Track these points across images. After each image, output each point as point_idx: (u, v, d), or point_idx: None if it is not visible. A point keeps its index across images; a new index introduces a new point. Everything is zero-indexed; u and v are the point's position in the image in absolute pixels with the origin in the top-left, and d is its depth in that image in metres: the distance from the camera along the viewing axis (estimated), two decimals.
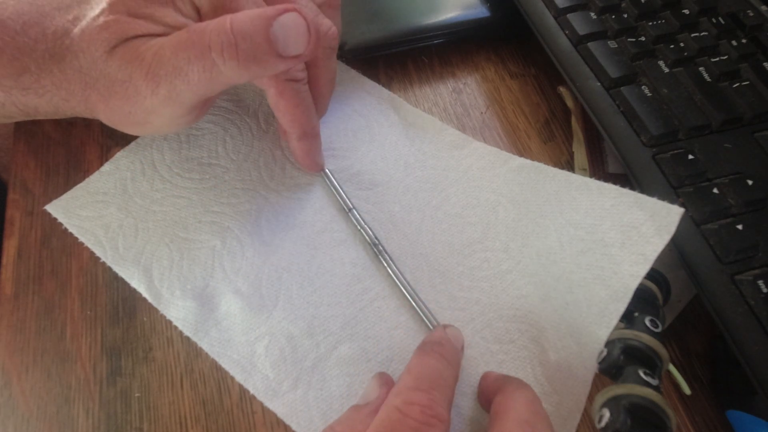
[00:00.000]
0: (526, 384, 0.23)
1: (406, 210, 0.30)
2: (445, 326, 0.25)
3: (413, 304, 0.27)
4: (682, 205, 0.24)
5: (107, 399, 0.25)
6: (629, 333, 0.22)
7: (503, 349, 0.26)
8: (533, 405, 0.21)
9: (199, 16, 0.25)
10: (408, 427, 0.19)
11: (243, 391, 0.25)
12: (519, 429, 0.20)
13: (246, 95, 0.34)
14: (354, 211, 0.29)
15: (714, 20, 0.32)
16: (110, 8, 0.23)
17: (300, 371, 0.25)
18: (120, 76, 0.23)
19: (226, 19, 0.22)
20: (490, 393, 0.23)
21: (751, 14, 0.32)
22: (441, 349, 0.23)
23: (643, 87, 0.29)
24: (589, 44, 0.31)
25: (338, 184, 0.30)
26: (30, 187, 0.31)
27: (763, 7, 0.32)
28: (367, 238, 0.29)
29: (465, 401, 0.25)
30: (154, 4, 0.23)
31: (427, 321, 0.26)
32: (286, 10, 0.22)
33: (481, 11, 0.36)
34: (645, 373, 0.21)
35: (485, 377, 0.25)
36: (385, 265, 0.28)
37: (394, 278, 0.27)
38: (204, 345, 0.26)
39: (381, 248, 0.28)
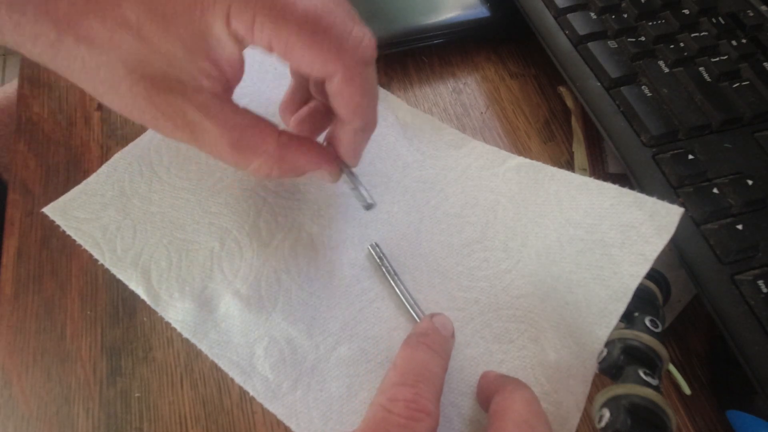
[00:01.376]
0: (524, 384, 0.23)
1: (404, 210, 0.30)
2: (432, 315, 0.25)
3: (407, 305, 0.27)
4: (681, 205, 0.24)
5: (107, 399, 0.25)
6: (629, 333, 0.22)
7: (503, 348, 0.26)
8: (532, 405, 0.21)
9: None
10: (394, 424, 0.19)
11: (243, 392, 0.25)
12: (518, 429, 0.20)
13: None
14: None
15: (714, 20, 0.32)
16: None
17: (299, 372, 0.25)
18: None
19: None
20: (489, 393, 0.23)
21: (751, 14, 0.32)
22: (426, 340, 0.23)
23: (643, 87, 0.29)
24: (589, 44, 0.31)
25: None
26: (30, 187, 0.31)
27: (763, 7, 0.32)
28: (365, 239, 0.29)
29: (465, 401, 0.25)
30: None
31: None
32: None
33: (481, 11, 0.36)
34: (645, 373, 0.21)
35: (484, 376, 0.24)
36: (381, 265, 0.28)
37: (389, 279, 0.27)
38: (203, 347, 0.26)
39: (379, 249, 0.28)
